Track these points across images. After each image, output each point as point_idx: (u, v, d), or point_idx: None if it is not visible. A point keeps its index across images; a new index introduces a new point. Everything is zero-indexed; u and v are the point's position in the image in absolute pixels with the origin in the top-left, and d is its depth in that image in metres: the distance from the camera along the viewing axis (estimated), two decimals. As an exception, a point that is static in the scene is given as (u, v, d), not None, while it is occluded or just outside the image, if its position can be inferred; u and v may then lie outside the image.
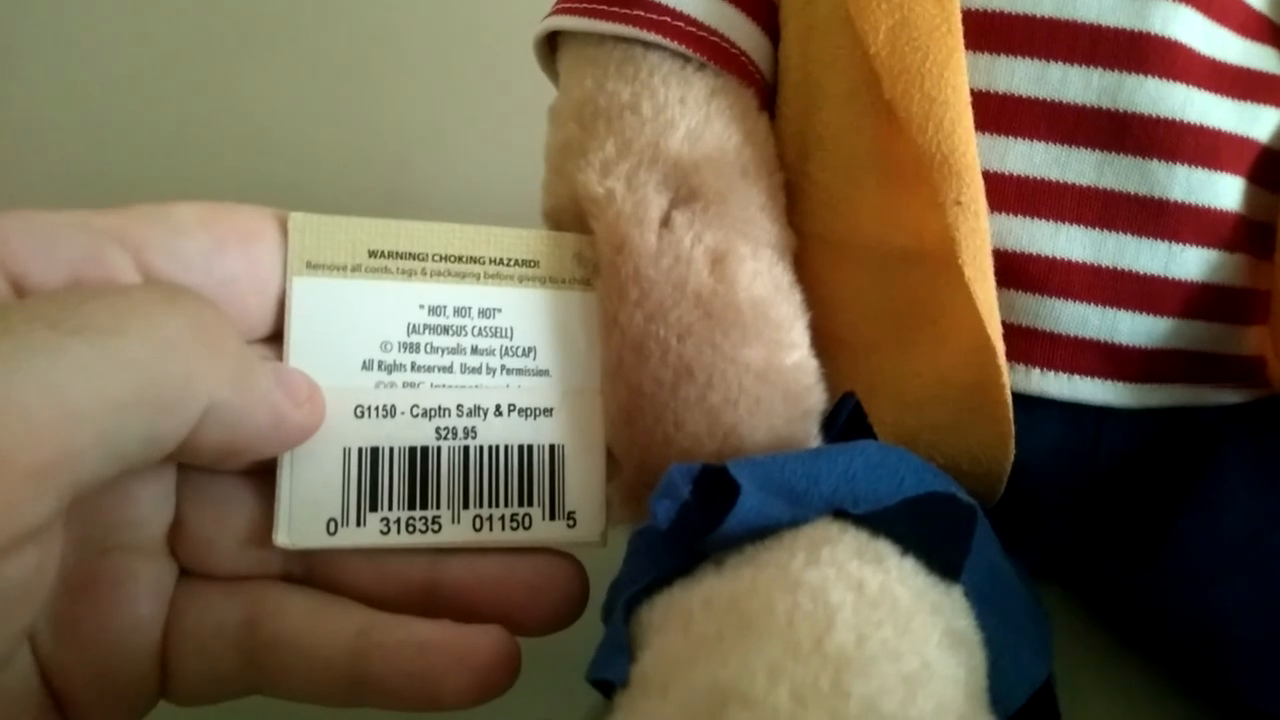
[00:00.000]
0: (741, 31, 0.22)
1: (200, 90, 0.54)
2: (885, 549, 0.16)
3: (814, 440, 0.20)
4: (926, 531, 0.16)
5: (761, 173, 0.21)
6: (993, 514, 0.19)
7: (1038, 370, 0.21)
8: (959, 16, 0.19)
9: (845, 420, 0.20)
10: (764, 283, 0.20)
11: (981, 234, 0.19)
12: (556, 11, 0.22)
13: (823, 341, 0.21)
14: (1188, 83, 0.20)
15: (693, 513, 0.16)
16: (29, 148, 0.54)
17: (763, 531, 0.16)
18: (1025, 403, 0.20)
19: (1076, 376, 0.21)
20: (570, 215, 0.20)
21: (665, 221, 0.20)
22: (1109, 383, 0.21)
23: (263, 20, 0.54)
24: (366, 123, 0.53)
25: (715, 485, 0.16)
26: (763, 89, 0.22)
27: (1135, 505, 0.22)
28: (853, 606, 0.14)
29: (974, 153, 0.19)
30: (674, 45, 0.20)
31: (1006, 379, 0.20)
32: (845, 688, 0.12)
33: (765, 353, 0.19)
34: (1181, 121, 0.20)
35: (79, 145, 0.54)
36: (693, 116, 0.21)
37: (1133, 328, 0.21)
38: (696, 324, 0.19)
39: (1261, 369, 0.22)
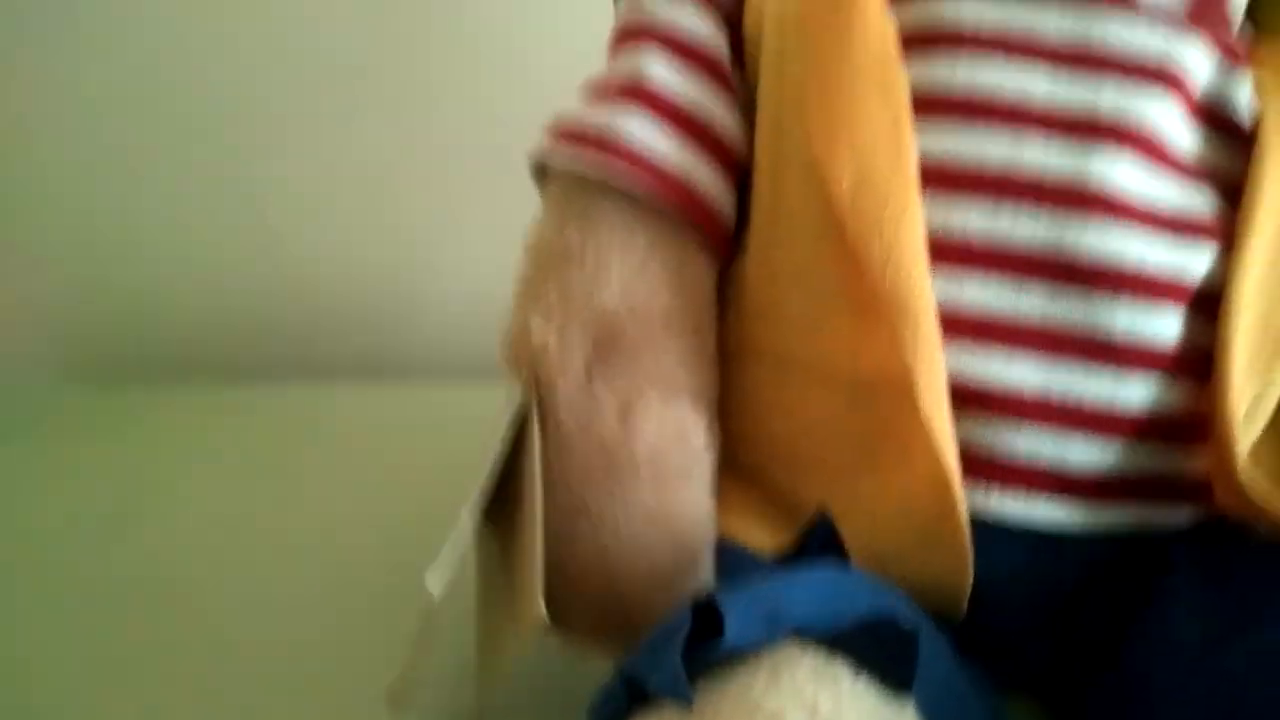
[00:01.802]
0: (705, 175, 0.24)
1: (214, 190, 0.58)
2: (840, 670, 0.17)
3: (700, 577, 0.22)
4: (879, 652, 0.17)
5: (686, 326, 0.24)
6: (963, 631, 0.21)
7: (996, 494, 0.22)
8: (916, 166, 0.21)
9: (819, 540, 0.22)
10: (667, 431, 0.23)
11: (937, 369, 0.20)
12: (546, 140, 0.24)
13: (798, 461, 0.24)
14: (1127, 226, 0.21)
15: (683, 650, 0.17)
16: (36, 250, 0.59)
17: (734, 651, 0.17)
18: (987, 525, 0.22)
19: (1032, 500, 0.22)
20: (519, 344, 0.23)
21: (587, 371, 0.22)
22: (1061, 505, 0.22)
23: (277, 121, 0.57)
24: (375, 225, 0.56)
25: (699, 615, 0.17)
26: (718, 229, 0.24)
27: (1096, 623, 0.23)
28: None
29: (929, 294, 0.21)
30: (639, 185, 0.23)
31: (963, 508, 0.21)
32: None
33: (656, 498, 0.22)
34: (1122, 262, 0.21)
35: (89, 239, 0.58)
36: (629, 269, 0.23)
37: (1084, 453, 0.22)
38: (597, 468, 0.22)
39: (1209, 490, 0.23)
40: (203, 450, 0.46)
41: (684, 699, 0.16)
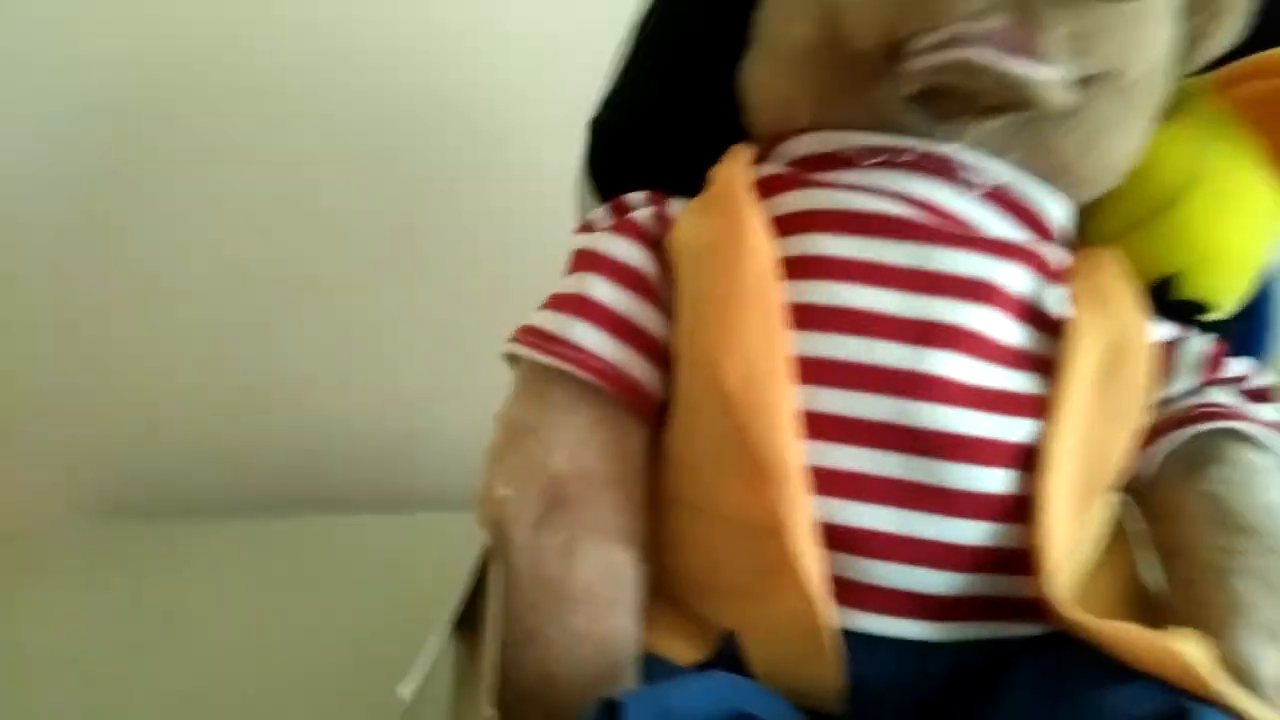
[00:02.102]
0: (636, 366, 0.30)
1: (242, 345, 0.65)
2: None
3: (625, 685, 0.27)
4: None
5: (620, 483, 0.29)
6: None
7: (865, 614, 0.27)
8: (789, 365, 0.27)
9: (727, 654, 0.27)
10: (600, 569, 0.28)
11: (805, 518, 0.26)
12: (517, 338, 0.30)
13: (708, 589, 0.29)
14: (958, 406, 0.27)
15: None
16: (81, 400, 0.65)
17: None
18: (859, 638, 0.26)
19: (893, 618, 0.27)
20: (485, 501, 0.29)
21: (537, 523, 0.28)
22: (919, 622, 0.27)
23: (300, 287, 0.64)
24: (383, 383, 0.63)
25: (607, 711, 0.22)
26: (649, 404, 0.30)
27: (958, 716, 0.27)
28: None
29: (799, 462, 0.26)
30: (582, 375, 0.29)
31: (829, 627, 0.26)
32: None
33: (587, 622, 0.27)
34: (955, 434, 0.26)
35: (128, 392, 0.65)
36: (575, 440, 0.29)
37: (933, 581, 0.27)
38: (542, 600, 0.28)
39: (1043, 608, 0.27)
40: (227, 576, 0.51)
41: None
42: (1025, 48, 0.26)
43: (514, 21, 0.63)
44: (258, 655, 0.43)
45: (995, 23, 0.26)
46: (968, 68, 0.26)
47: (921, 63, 0.27)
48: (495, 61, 0.64)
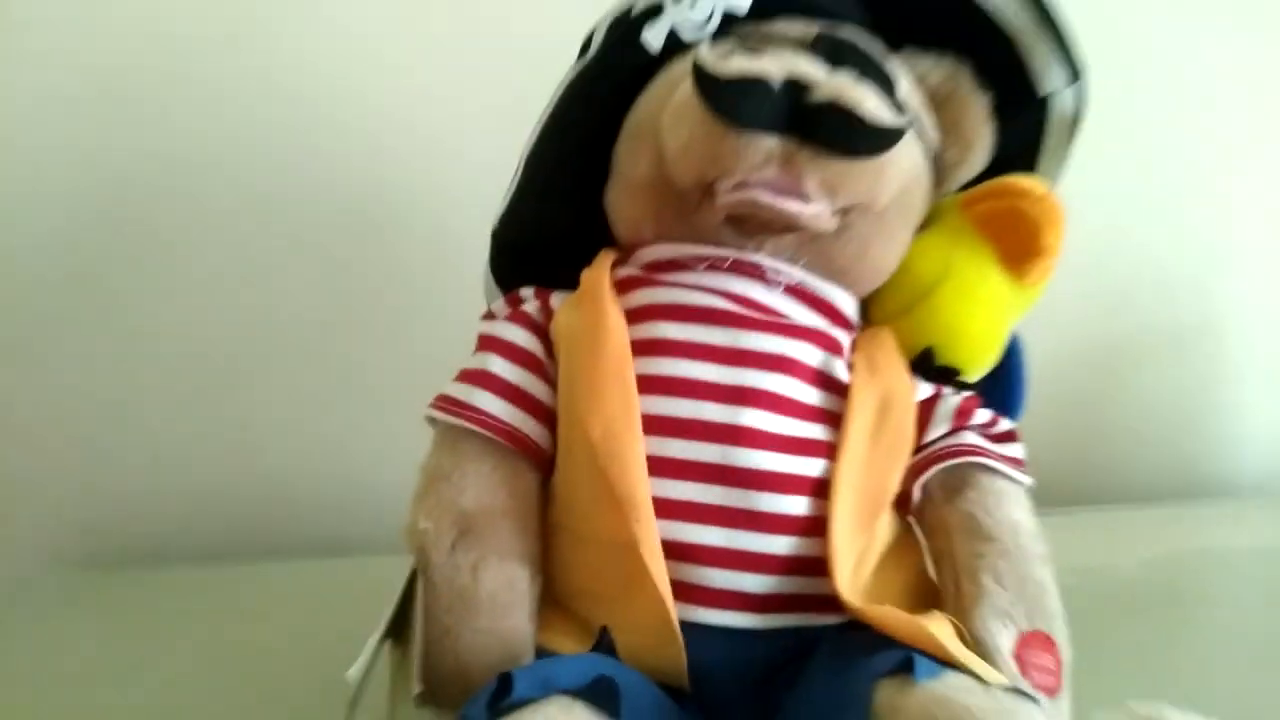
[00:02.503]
0: (527, 425, 0.36)
1: (205, 408, 0.70)
2: (581, 708, 0.27)
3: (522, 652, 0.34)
4: (600, 696, 0.28)
5: (518, 516, 0.36)
6: (696, 697, 0.33)
7: (701, 609, 0.33)
8: (639, 422, 0.33)
9: (604, 645, 0.33)
10: (501, 582, 0.34)
11: (654, 538, 0.32)
12: (434, 404, 0.37)
13: (586, 595, 0.36)
14: (766, 450, 0.34)
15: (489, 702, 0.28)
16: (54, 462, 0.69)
17: (526, 701, 0.28)
18: (700, 628, 0.33)
19: (724, 612, 0.34)
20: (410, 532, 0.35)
21: (451, 548, 0.34)
22: (744, 615, 0.34)
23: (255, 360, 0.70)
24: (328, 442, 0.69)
25: (502, 679, 0.28)
26: (538, 454, 0.37)
27: (779, 688, 0.34)
28: None
29: (648, 495, 0.32)
30: (483, 432, 0.36)
31: (675, 621, 0.32)
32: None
33: (490, 622, 0.34)
34: (764, 471, 0.34)
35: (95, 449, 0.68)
36: (480, 482, 0.35)
37: (752, 583, 0.34)
38: (455, 605, 0.34)
39: (837, 602, 0.33)
40: (189, 616, 0.55)
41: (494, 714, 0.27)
42: (792, 190, 0.34)
43: (449, 139, 0.71)
44: (222, 679, 0.47)
45: (769, 172, 0.33)
46: (754, 204, 0.34)
47: (724, 199, 0.34)
48: (428, 166, 0.71)
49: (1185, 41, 0.81)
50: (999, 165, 0.42)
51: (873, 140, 0.33)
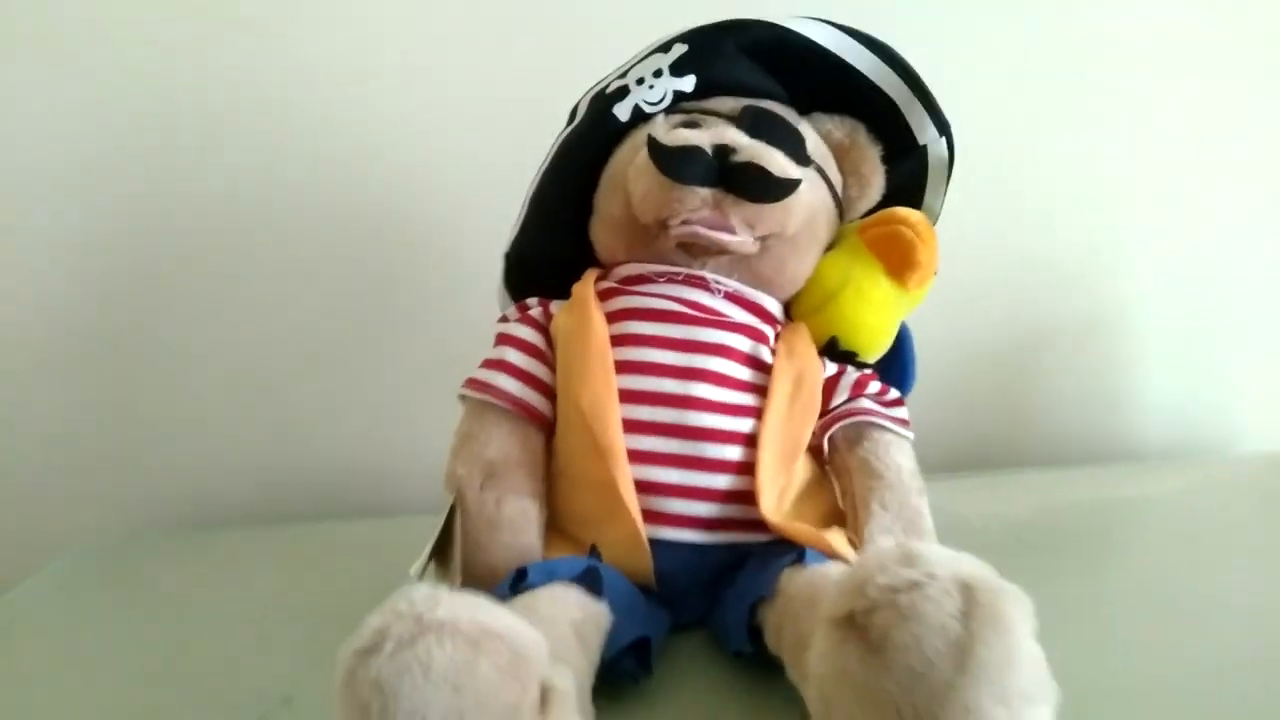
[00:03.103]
0: (535, 399, 0.46)
1: (256, 397, 0.79)
2: (576, 592, 0.38)
3: (533, 559, 0.43)
4: (589, 581, 0.38)
5: (529, 465, 0.45)
6: (660, 594, 0.43)
7: (664, 529, 0.43)
8: (617, 392, 0.43)
9: (593, 557, 0.43)
10: (517, 510, 0.44)
11: (627, 478, 0.42)
12: (465, 385, 0.47)
13: (579, 521, 0.45)
14: (710, 413, 0.43)
15: (515, 582, 0.39)
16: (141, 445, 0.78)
17: (536, 585, 0.38)
18: (663, 544, 0.43)
19: (681, 530, 0.43)
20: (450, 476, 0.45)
21: (480, 487, 0.44)
22: (696, 533, 0.43)
23: (295, 359, 0.80)
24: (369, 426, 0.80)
25: (519, 573, 0.39)
26: (545, 421, 0.47)
27: (718, 587, 0.43)
28: (554, 605, 0.36)
29: (622, 446, 0.42)
30: (501, 404, 0.46)
31: (644, 538, 0.42)
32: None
33: (509, 538, 0.43)
34: (709, 428, 0.43)
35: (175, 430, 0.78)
36: (500, 442, 0.45)
37: (702, 509, 0.43)
38: (485, 530, 0.43)
39: (765, 525, 0.42)
40: (258, 571, 0.61)
41: (508, 598, 0.37)
42: (722, 226, 0.44)
43: (468, 166, 0.78)
44: (286, 618, 0.50)
45: (705, 213, 0.44)
46: (695, 235, 0.45)
47: (674, 232, 0.45)
48: (447, 192, 0.79)
49: (1083, 50, 0.89)
50: (893, 198, 0.53)
51: (777, 189, 0.44)
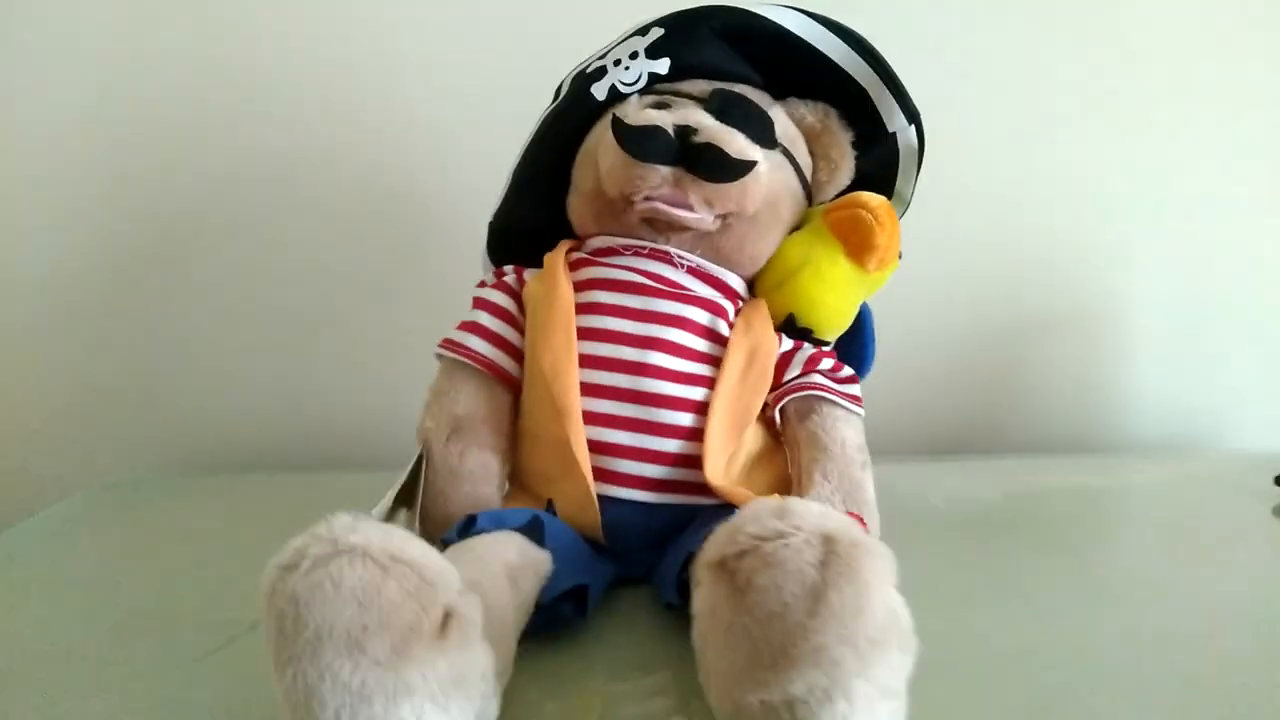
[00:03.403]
0: (503, 360, 0.49)
1: (276, 360, 0.83)
2: (521, 540, 0.40)
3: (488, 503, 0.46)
4: (531, 530, 0.41)
5: (494, 421, 0.48)
6: (610, 549, 0.45)
7: (614, 487, 0.46)
8: (577, 357, 0.46)
9: (549, 511, 0.45)
10: (478, 462, 0.47)
11: (581, 438, 0.44)
12: (440, 345, 0.50)
13: (538, 477, 0.48)
14: (665, 381, 0.45)
15: (464, 528, 0.42)
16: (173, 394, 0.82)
17: (484, 531, 0.41)
18: (613, 501, 0.45)
19: (631, 490, 0.45)
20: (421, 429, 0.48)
21: (447, 440, 0.47)
22: (646, 493, 0.46)
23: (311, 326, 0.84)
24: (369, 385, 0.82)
25: (469, 519, 0.42)
26: (512, 381, 0.49)
27: (663, 545, 0.46)
28: (492, 548, 0.39)
29: (578, 408, 0.45)
30: (470, 363, 0.48)
31: (594, 495, 0.44)
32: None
33: (471, 488, 0.46)
34: (663, 394, 0.45)
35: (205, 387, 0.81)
36: (468, 396, 0.48)
37: (652, 471, 0.45)
38: (447, 480, 0.46)
39: (711, 488, 0.45)
40: (265, 514, 0.65)
41: (454, 542, 0.39)
42: (681, 203, 0.46)
43: (467, 145, 0.82)
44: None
45: (665, 191, 0.46)
46: (656, 211, 0.47)
47: (638, 207, 0.47)
48: (445, 170, 0.83)
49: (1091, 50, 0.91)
50: (867, 184, 0.54)
51: (733, 170, 0.46)
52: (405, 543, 0.29)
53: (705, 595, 0.29)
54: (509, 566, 0.38)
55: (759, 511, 0.29)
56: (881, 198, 0.51)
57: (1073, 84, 0.89)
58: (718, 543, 0.29)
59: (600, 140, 0.49)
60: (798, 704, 0.26)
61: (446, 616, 0.29)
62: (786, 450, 0.50)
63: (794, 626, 0.26)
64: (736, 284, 0.51)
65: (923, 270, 0.82)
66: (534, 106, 0.55)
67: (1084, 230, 0.92)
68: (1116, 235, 0.93)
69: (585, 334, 0.47)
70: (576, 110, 0.52)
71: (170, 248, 0.83)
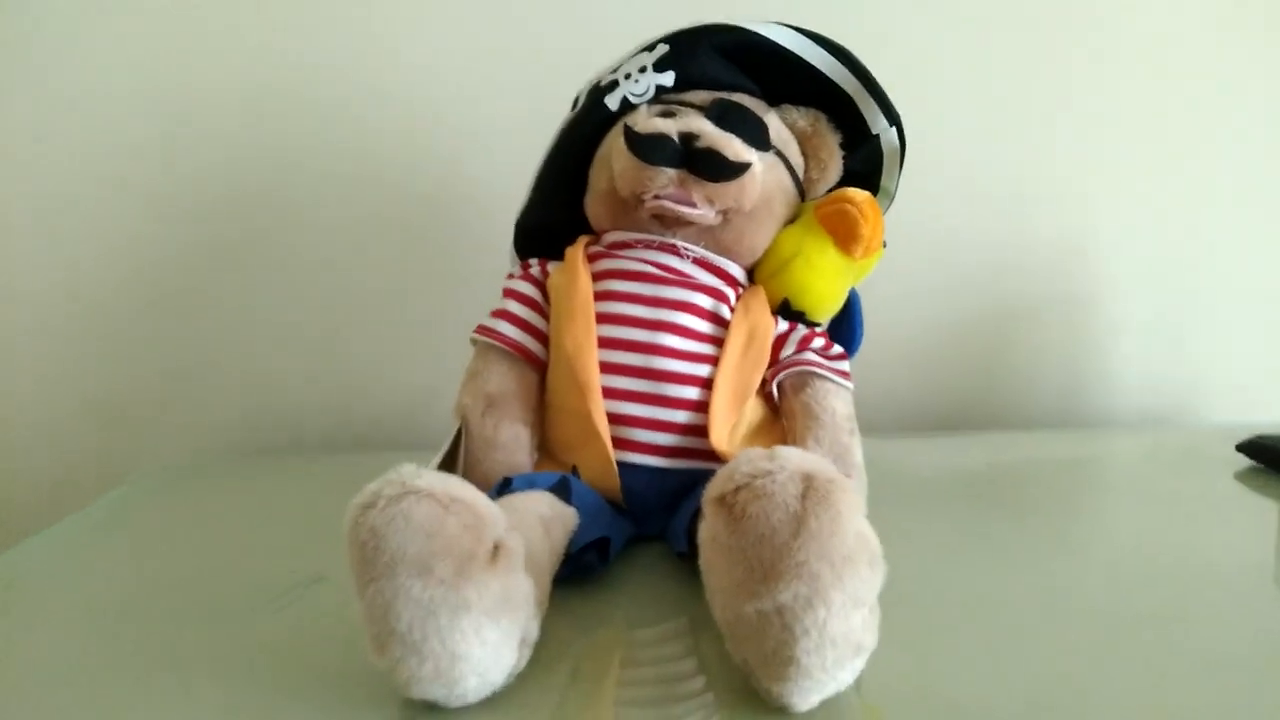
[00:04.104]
0: (531, 343, 0.54)
1: (318, 348, 0.88)
2: (550, 497, 0.45)
3: (520, 469, 0.51)
4: (559, 490, 0.46)
5: (524, 397, 0.52)
6: (628, 510, 0.50)
7: (631, 454, 0.50)
8: (595, 338, 0.50)
9: (574, 474, 0.50)
10: (511, 435, 0.51)
11: (601, 411, 0.49)
12: (475, 331, 0.55)
13: (562, 445, 0.53)
14: (674, 359, 0.50)
15: (501, 488, 0.47)
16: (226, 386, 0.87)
17: (518, 490, 0.46)
18: (631, 467, 0.50)
19: (646, 456, 0.50)
20: (459, 405, 0.53)
21: (482, 414, 0.51)
22: (659, 459, 0.50)
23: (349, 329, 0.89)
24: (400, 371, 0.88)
25: (505, 481, 0.48)
26: (538, 362, 0.54)
27: (676, 506, 0.50)
28: (527, 501, 0.44)
29: (598, 384, 0.49)
30: (502, 346, 0.53)
31: (613, 460, 0.48)
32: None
33: (505, 457, 0.50)
34: (672, 371, 0.50)
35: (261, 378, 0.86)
36: (499, 376, 0.52)
37: (664, 439, 0.50)
38: (484, 450, 0.50)
39: (717, 454, 0.49)
40: (310, 493, 0.71)
41: (494, 499, 0.42)
42: (686, 201, 0.51)
43: (499, 147, 0.88)
44: (322, 532, 0.49)
45: (672, 190, 0.51)
46: (663, 208, 0.52)
47: (647, 205, 0.52)
48: (477, 172, 0.88)
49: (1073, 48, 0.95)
50: (855, 180, 0.59)
51: (731, 170, 0.51)
52: (461, 487, 0.35)
53: (708, 525, 0.35)
54: (542, 517, 0.43)
55: (752, 455, 0.34)
56: (866, 193, 0.56)
57: (1058, 87, 0.95)
58: (718, 482, 0.34)
59: (613, 146, 0.54)
60: (785, 610, 0.32)
61: (496, 547, 0.35)
62: (783, 421, 0.55)
63: (780, 547, 0.32)
64: (737, 272, 0.56)
65: (916, 260, 0.89)
66: (550, 111, 0.60)
67: (1065, 222, 0.97)
68: (1094, 226, 0.98)
69: (603, 318, 0.52)
70: (592, 120, 0.57)
71: (226, 253, 0.88)
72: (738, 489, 0.33)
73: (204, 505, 0.67)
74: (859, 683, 0.34)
